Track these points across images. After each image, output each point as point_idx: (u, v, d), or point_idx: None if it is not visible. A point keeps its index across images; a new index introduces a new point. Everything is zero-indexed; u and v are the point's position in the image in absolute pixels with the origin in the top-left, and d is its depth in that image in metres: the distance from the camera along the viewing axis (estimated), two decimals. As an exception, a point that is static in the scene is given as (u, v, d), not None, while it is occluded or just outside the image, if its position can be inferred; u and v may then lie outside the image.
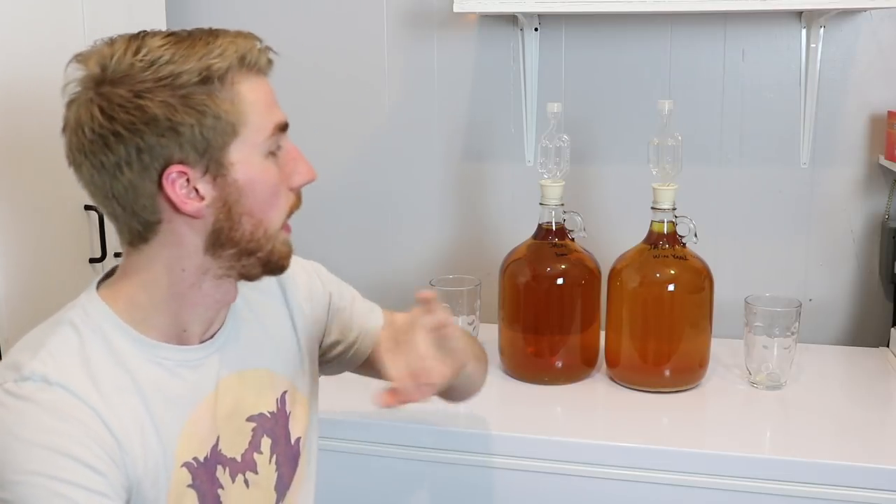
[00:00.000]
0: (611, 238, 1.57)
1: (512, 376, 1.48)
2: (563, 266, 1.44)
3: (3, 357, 1.15)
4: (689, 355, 1.41)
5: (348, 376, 1.51)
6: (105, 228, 1.44)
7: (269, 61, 0.95)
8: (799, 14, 1.60)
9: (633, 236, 1.44)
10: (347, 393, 1.43)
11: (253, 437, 1.01)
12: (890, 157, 1.53)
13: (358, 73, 1.80)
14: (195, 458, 0.93)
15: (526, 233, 1.49)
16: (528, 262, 1.45)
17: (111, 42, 0.88)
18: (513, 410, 1.41)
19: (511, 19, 1.69)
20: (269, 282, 1.03)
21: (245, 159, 0.89)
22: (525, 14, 1.60)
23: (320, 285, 1.15)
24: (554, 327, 1.44)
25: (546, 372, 1.45)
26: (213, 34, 0.90)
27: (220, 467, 0.96)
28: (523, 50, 1.69)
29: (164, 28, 1.70)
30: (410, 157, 1.81)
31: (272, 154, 0.91)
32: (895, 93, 1.59)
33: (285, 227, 0.94)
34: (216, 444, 0.96)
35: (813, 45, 1.59)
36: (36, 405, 0.83)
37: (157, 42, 0.87)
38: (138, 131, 0.85)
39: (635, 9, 1.47)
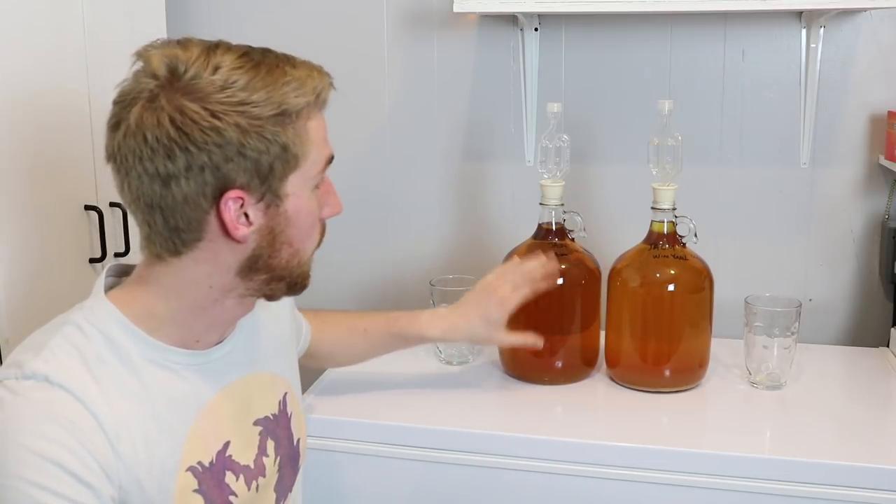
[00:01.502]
0: (611, 238, 1.57)
1: (512, 376, 1.48)
2: (563, 266, 1.43)
3: (2, 358, 1.15)
4: (689, 355, 1.41)
5: (348, 378, 1.51)
6: (105, 228, 1.44)
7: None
8: (799, 14, 1.60)
9: (633, 236, 1.44)
10: (347, 393, 1.43)
11: (260, 441, 1.01)
12: (890, 157, 1.53)
13: (358, 73, 1.80)
14: (199, 463, 0.93)
15: (526, 233, 1.49)
16: (528, 262, 1.45)
17: (184, 46, 0.86)
18: (513, 410, 1.41)
19: (511, 19, 1.69)
20: None
21: (298, 191, 0.90)
22: (525, 14, 1.60)
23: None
24: (554, 327, 1.44)
25: (546, 372, 1.45)
26: (290, 63, 0.90)
27: (230, 474, 0.96)
28: (523, 50, 1.69)
29: (164, 28, 1.71)
30: (410, 156, 1.81)
31: (316, 187, 0.94)
32: (895, 93, 1.59)
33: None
34: (224, 449, 0.96)
35: (813, 45, 1.59)
36: (34, 405, 0.82)
37: (232, 62, 0.86)
38: (208, 150, 0.83)
39: (635, 9, 1.47)
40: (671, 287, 1.39)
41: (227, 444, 0.96)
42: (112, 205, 1.46)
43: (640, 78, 1.68)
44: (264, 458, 1.01)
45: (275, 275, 0.92)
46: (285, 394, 1.07)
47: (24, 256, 1.32)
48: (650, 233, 1.42)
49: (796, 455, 1.20)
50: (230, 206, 0.86)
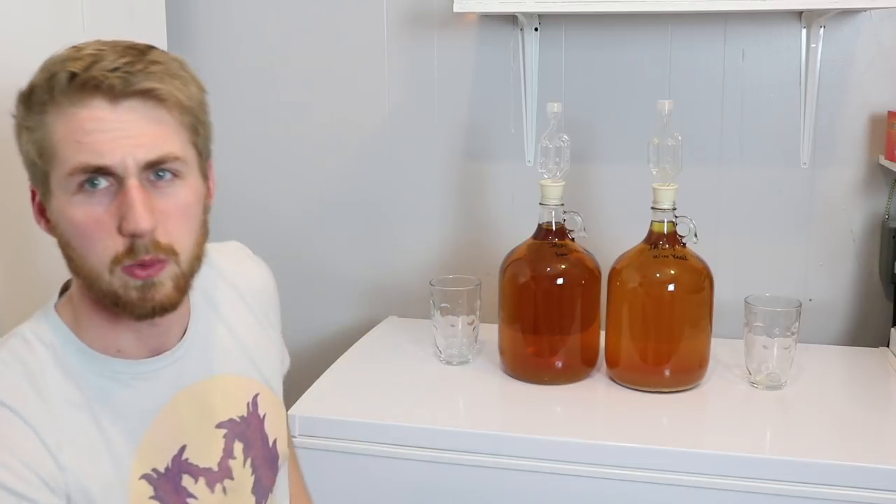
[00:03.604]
0: (611, 238, 1.57)
1: (512, 376, 1.48)
2: (563, 266, 1.44)
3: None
4: (689, 355, 1.41)
5: (348, 378, 1.51)
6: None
7: (118, 85, 0.81)
8: (799, 14, 1.60)
9: (633, 236, 1.44)
10: (347, 393, 1.43)
11: (225, 444, 0.99)
12: (890, 157, 1.53)
13: (358, 74, 1.80)
14: (154, 470, 0.91)
15: (526, 233, 1.49)
16: (528, 262, 1.45)
17: None
18: (513, 410, 1.41)
19: (511, 19, 1.69)
20: (229, 286, 1.05)
21: (57, 193, 0.84)
22: (525, 14, 1.60)
23: (277, 311, 1.14)
24: (554, 327, 1.44)
25: (546, 372, 1.45)
26: (96, 44, 0.85)
27: (187, 477, 0.94)
28: (523, 50, 1.69)
29: (164, 29, 1.71)
30: (411, 157, 1.81)
31: (83, 192, 0.82)
32: (895, 93, 1.59)
33: (129, 271, 0.84)
34: (179, 454, 0.94)
35: (813, 45, 1.59)
36: None
37: None
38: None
39: (635, 9, 1.47)
40: (671, 287, 1.39)
41: (183, 448, 0.94)
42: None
43: (640, 78, 1.68)
44: (230, 461, 0.99)
45: (82, 279, 0.86)
46: (256, 395, 1.04)
47: (23, 256, 1.32)
48: (650, 233, 1.42)
49: (796, 455, 1.20)
50: (34, 200, 0.88)
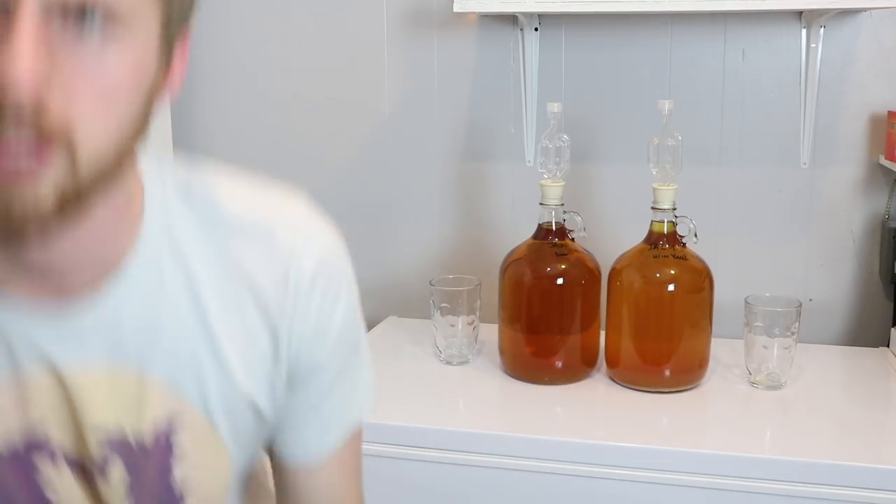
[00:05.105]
0: (611, 238, 1.57)
1: (512, 376, 1.48)
2: (563, 266, 1.44)
3: None
4: (689, 355, 1.41)
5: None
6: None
7: None
8: (799, 14, 1.60)
9: (633, 236, 1.44)
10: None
11: (100, 445, 0.72)
12: (890, 157, 1.53)
13: (358, 74, 1.80)
14: None
15: (526, 233, 1.49)
16: (528, 262, 1.45)
17: None
18: (513, 410, 1.41)
19: (511, 19, 1.69)
20: (236, 267, 0.75)
21: None
22: (525, 14, 1.60)
23: (325, 344, 0.83)
24: (554, 327, 1.44)
25: (546, 372, 1.45)
26: None
27: (38, 453, 0.71)
28: (523, 50, 1.69)
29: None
30: (410, 157, 1.81)
31: None
32: (895, 93, 1.59)
33: None
34: (32, 430, 0.70)
35: (813, 45, 1.59)
36: None
37: None
38: None
39: (635, 9, 1.47)
40: (671, 287, 1.39)
41: (43, 431, 0.70)
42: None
43: (640, 78, 1.68)
44: (105, 464, 0.72)
45: None
46: (176, 421, 0.73)
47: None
48: (650, 233, 1.42)
49: (796, 455, 1.20)
50: None
